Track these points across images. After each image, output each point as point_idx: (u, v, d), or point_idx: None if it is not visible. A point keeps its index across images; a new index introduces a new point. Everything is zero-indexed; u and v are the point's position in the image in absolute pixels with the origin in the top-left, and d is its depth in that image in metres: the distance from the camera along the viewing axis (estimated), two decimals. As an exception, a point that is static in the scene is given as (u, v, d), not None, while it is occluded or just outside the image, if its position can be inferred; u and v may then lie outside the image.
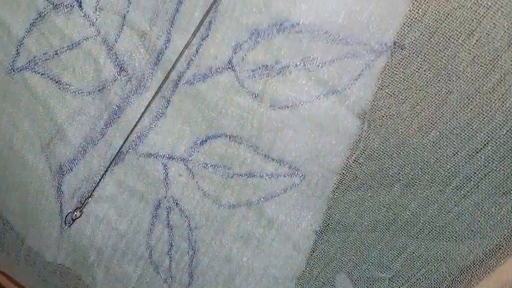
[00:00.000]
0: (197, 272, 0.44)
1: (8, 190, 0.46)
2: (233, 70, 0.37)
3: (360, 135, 0.37)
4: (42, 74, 0.42)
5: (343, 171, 0.38)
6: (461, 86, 0.34)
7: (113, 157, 0.42)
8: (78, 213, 0.44)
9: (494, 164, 0.35)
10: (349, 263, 0.41)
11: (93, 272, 0.46)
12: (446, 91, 0.34)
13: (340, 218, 0.39)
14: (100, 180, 0.43)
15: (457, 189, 0.37)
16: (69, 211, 0.44)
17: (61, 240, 0.46)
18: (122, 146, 0.41)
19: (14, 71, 0.42)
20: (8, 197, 0.47)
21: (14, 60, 0.42)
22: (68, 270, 0.47)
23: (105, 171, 0.42)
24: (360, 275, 0.41)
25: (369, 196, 0.38)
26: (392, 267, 0.40)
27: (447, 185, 0.37)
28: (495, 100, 0.34)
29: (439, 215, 0.38)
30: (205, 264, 0.43)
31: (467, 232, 0.38)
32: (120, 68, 0.40)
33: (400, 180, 0.37)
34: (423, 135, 0.36)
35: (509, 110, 0.34)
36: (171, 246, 0.43)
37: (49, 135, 0.43)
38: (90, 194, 0.43)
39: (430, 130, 0.35)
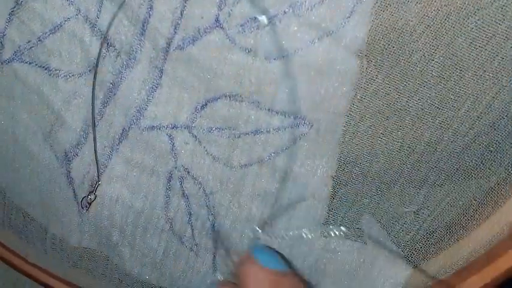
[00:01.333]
0: (221, 236, 0.43)
1: (21, 183, 0.46)
2: (221, 28, 0.36)
3: (361, 74, 0.36)
4: (30, 63, 0.41)
5: (350, 112, 0.37)
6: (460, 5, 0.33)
7: (116, 136, 0.41)
8: (92, 197, 0.43)
9: (504, 81, 0.34)
10: (371, 204, 0.40)
11: (119, 251, 0.46)
12: (445, 13, 0.33)
13: (355, 159, 0.39)
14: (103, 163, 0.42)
15: (470, 111, 0.35)
16: (83, 195, 0.44)
17: (82, 224, 0.45)
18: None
19: (2, 64, 0.41)
20: (23, 189, 0.46)
21: (0, 54, 0.41)
22: (95, 252, 0.47)
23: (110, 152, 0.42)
24: (383, 214, 0.40)
25: (381, 133, 0.37)
26: (416, 200, 0.39)
27: (458, 109, 0.35)
28: (497, 14, 0.32)
29: (455, 141, 0.36)
30: (228, 227, 0.43)
31: (486, 153, 0.37)
32: (107, 44, 0.39)
33: (409, 112, 0.36)
34: (427, 62, 0.34)
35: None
36: (190, 215, 0.43)
37: (49, 123, 0.42)
38: (98, 178, 0.42)
39: (433, 55, 0.34)
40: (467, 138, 0.36)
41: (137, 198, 0.43)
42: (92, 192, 0.43)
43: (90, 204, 0.44)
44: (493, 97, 0.35)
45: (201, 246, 0.44)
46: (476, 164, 0.37)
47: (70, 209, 0.45)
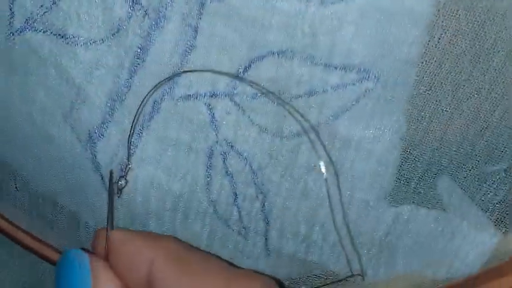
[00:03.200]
0: (273, 216, 0.38)
1: (43, 170, 0.41)
2: (269, -30, 0.31)
3: (437, 12, 0.30)
4: (44, 32, 0.36)
5: (425, 59, 0.32)
6: None
7: (147, 110, 0.36)
8: (123, 182, 0.38)
9: None
10: (451, 165, 0.35)
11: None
12: None
13: (431, 114, 0.33)
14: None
15: None
16: (113, 181, 0.38)
17: (115, 212, 0.40)
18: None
19: (13, 34, 0.36)
20: (46, 177, 0.42)
21: (10, 23, 0.36)
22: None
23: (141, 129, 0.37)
24: (467, 175, 0.35)
25: (463, 80, 0.32)
26: (506, 155, 0.34)
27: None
28: None
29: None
30: (281, 206, 0.38)
31: None
32: (133, 0, 0.34)
33: (498, 51, 0.31)
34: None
35: None
36: (236, 195, 0.38)
37: (69, 101, 0.37)
38: (129, 161, 0.37)
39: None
40: None
41: (174, 180, 0.38)
42: (123, 177, 0.38)
43: (121, 190, 0.39)
44: None
45: (250, 229, 0.39)
46: None
47: (100, 196, 0.40)
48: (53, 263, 0.46)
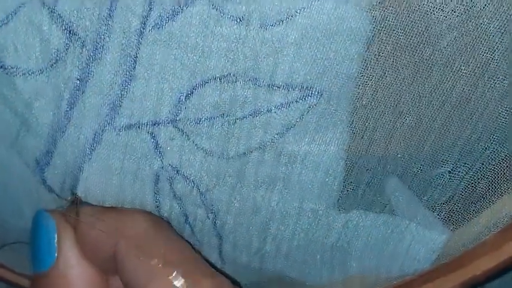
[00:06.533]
0: (225, 232, 0.39)
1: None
2: (206, -4, 0.31)
3: (374, 29, 0.31)
4: None
5: (366, 73, 0.33)
6: None
7: (88, 143, 0.35)
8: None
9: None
10: (398, 170, 0.36)
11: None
12: None
13: (375, 125, 0.34)
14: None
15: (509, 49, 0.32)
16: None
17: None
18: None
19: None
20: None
21: None
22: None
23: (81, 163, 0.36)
24: (413, 178, 0.36)
25: (405, 90, 0.33)
26: (450, 158, 0.36)
27: (494, 50, 0.32)
28: None
29: (492, 86, 0.33)
30: (232, 222, 0.38)
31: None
32: (70, 32, 0.32)
33: (437, 62, 0.32)
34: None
35: None
36: (186, 216, 0.38)
37: (15, 128, 0.36)
38: (75, 194, 0.37)
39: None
40: (506, 81, 0.33)
41: (123, 204, 0.38)
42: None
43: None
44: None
45: (203, 242, 0.40)
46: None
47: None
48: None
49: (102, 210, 0.37)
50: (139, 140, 0.35)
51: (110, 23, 0.32)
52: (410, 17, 0.31)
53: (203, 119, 0.34)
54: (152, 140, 0.35)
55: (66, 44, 0.33)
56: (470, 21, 0.31)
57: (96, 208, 0.37)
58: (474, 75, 0.33)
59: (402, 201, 0.37)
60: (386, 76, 0.33)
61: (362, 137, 0.35)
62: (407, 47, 0.32)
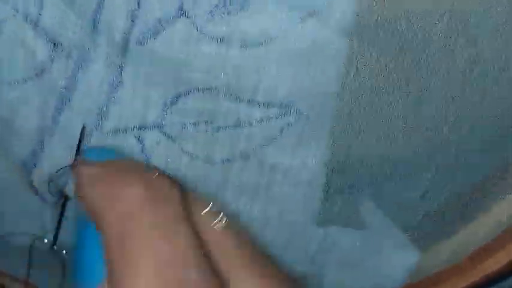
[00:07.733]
0: None
1: None
2: (187, 17, 0.31)
3: (352, 53, 0.31)
4: None
5: (343, 92, 0.33)
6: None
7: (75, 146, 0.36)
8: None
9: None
10: (372, 191, 0.37)
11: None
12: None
13: (351, 143, 0.35)
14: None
15: (480, 78, 0.32)
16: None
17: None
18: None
19: None
20: None
21: None
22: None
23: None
24: (386, 200, 0.37)
25: (379, 112, 0.33)
26: (421, 184, 0.36)
27: (468, 77, 0.32)
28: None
29: (464, 115, 0.33)
30: None
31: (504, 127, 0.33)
32: (54, 43, 0.33)
33: (411, 87, 0.32)
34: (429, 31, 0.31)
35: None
36: None
37: None
38: (65, 195, 0.38)
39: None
40: (477, 110, 0.33)
41: None
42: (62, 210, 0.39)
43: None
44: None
45: None
46: (491, 138, 0.34)
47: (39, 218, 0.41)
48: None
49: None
50: (126, 144, 0.36)
51: (94, 35, 0.33)
52: (389, 44, 0.31)
53: (188, 124, 0.35)
54: (139, 144, 0.36)
55: (51, 55, 0.34)
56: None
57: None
58: (446, 102, 0.33)
59: (376, 221, 0.38)
60: (364, 94, 0.33)
61: (340, 153, 0.35)
62: (384, 65, 0.32)
